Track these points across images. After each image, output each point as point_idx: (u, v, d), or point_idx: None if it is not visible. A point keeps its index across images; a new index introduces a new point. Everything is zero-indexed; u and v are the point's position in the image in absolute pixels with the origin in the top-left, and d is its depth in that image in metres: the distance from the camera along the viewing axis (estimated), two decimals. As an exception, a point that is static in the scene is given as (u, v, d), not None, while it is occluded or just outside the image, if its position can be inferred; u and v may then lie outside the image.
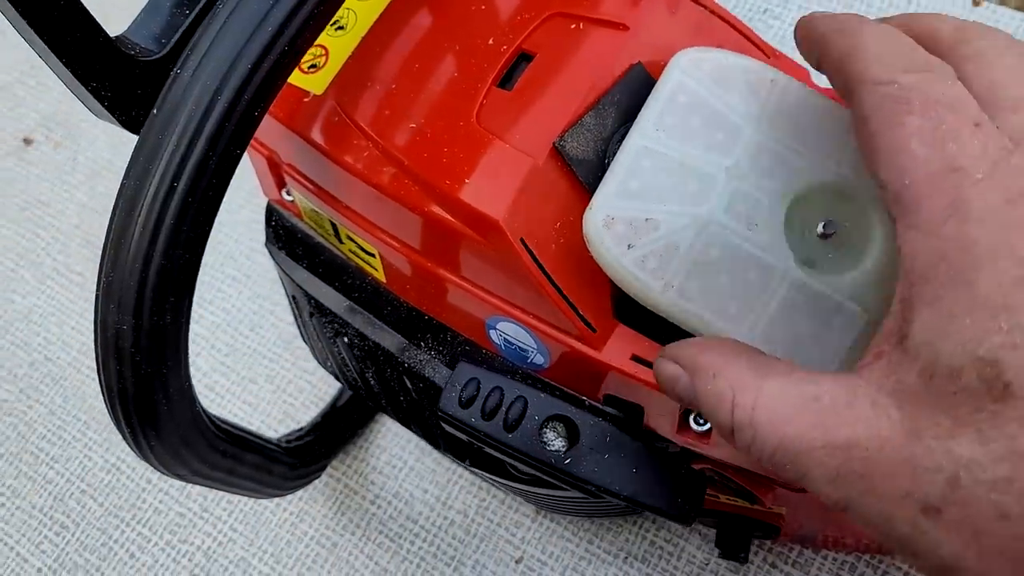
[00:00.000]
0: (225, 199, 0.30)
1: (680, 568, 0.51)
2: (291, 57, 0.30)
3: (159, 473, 0.59)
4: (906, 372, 0.23)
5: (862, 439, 0.23)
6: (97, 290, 0.31)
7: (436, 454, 0.57)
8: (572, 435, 0.33)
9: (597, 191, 0.32)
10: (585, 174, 0.33)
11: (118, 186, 0.29)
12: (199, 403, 0.36)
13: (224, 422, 0.40)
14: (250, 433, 0.43)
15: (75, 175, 0.73)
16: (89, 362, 0.66)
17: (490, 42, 0.36)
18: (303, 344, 0.62)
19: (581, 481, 0.33)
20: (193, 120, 0.29)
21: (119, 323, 0.31)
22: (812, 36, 0.29)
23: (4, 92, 0.78)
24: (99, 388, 0.61)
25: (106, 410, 0.34)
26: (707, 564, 0.51)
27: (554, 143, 0.32)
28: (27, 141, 0.75)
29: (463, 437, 0.34)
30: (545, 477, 0.33)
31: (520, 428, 0.33)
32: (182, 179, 0.29)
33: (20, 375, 0.66)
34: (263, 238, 0.58)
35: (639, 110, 0.33)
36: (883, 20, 0.29)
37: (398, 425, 0.58)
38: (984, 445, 0.22)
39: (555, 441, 0.33)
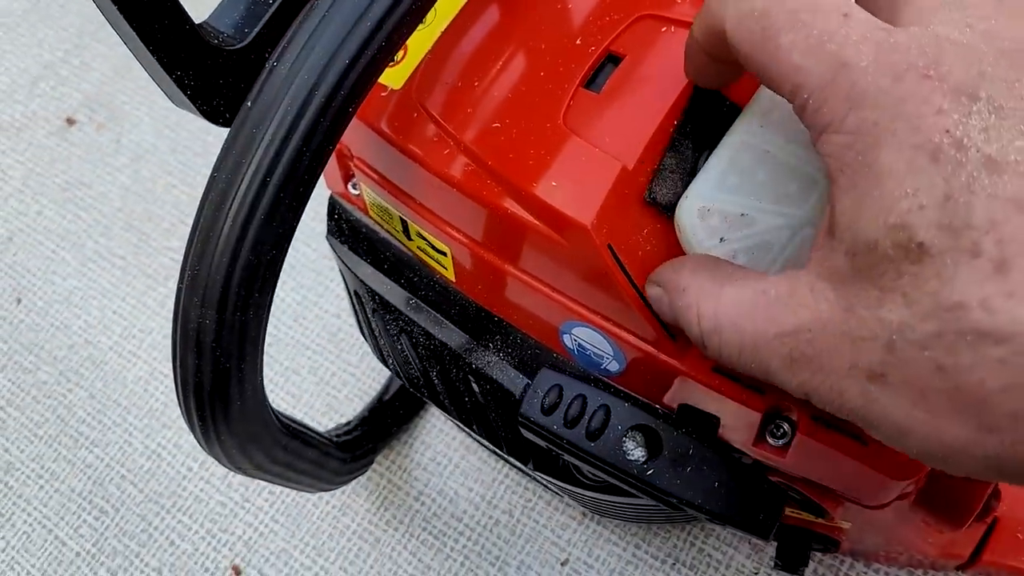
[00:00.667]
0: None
1: (729, 576, 0.51)
2: (386, 54, 0.30)
3: (205, 462, 0.59)
4: (835, 256, 0.25)
5: (806, 322, 0.25)
6: (180, 282, 0.31)
7: (481, 452, 0.57)
8: (652, 445, 0.33)
9: (694, 180, 0.32)
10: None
11: (162, 171, 0.29)
12: (267, 399, 0.36)
13: (286, 416, 0.40)
14: (308, 428, 0.43)
15: (118, 158, 0.72)
16: (130, 346, 0.65)
17: (577, 42, 0.35)
18: (347, 336, 0.62)
19: (662, 492, 0.32)
20: (289, 115, 0.28)
21: (202, 317, 0.30)
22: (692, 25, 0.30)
23: (48, 71, 0.77)
24: (139, 374, 0.60)
25: (177, 401, 0.33)
26: (756, 573, 0.50)
27: (644, 199, 0.32)
28: (70, 121, 0.75)
29: (542, 443, 0.34)
30: (623, 486, 0.33)
31: (603, 437, 0.32)
32: (275, 174, 0.29)
33: (60, 357, 0.66)
34: (307, 229, 0.58)
35: (713, 131, 0.33)
36: None
37: (443, 422, 0.58)
38: (910, 307, 0.23)
39: (635, 451, 0.32)
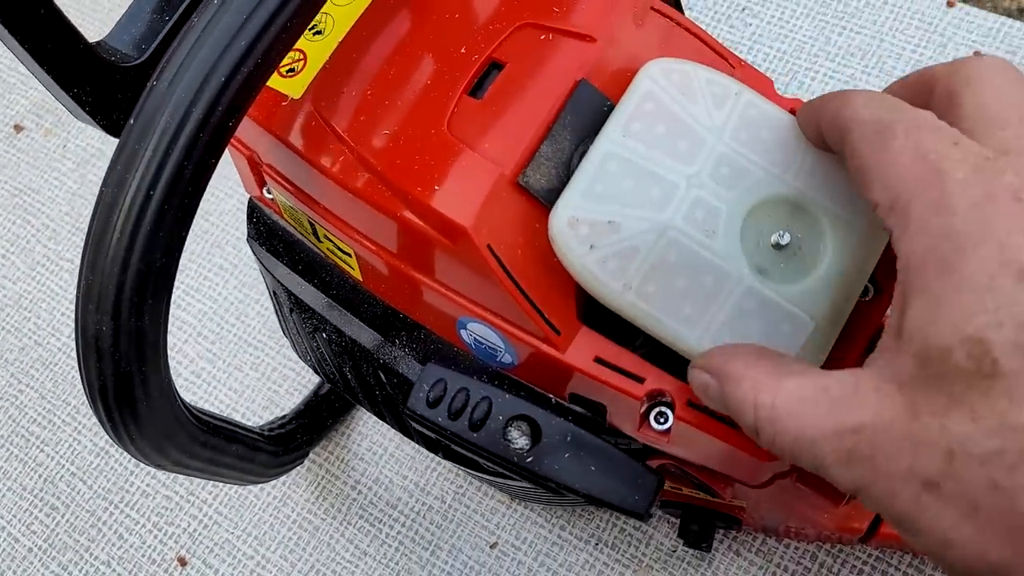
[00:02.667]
0: (211, 188, 0.31)
1: (648, 554, 0.53)
2: (265, 68, 0.31)
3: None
4: (904, 359, 0.25)
5: (868, 422, 0.25)
6: (77, 291, 0.32)
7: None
8: (535, 434, 0.34)
9: (563, 192, 0.34)
10: (552, 200, 0.34)
11: (103, 175, 0.31)
12: (179, 397, 0.37)
13: (206, 413, 0.41)
14: (232, 423, 0.44)
15: (65, 162, 0.74)
16: (78, 347, 0.67)
17: (462, 50, 0.37)
18: (284, 335, 0.64)
19: (542, 478, 0.34)
20: (168, 131, 0.30)
21: (98, 324, 0.32)
22: (809, 107, 0.32)
23: (-6, 78, 0.79)
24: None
25: (88, 404, 0.35)
26: (674, 551, 0.53)
27: (517, 180, 0.33)
28: (17, 128, 0.76)
29: (431, 435, 0.36)
30: (509, 474, 0.35)
31: (485, 427, 0.34)
32: (158, 187, 0.30)
33: (11, 360, 0.68)
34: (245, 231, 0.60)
35: (591, 127, 0.34)
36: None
37: (379, 413, 0.60)
38: (976, 421, 0.23)
39: (519, 440, 0.34)
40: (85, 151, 0.74)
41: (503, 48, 0.37)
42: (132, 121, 0.31)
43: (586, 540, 0.54)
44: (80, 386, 0.65)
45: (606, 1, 0.37)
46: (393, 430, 0.59)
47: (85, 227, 0.71)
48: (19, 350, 0.68)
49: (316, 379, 0.61)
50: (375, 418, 0.60)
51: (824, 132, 0.31)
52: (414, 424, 0.36)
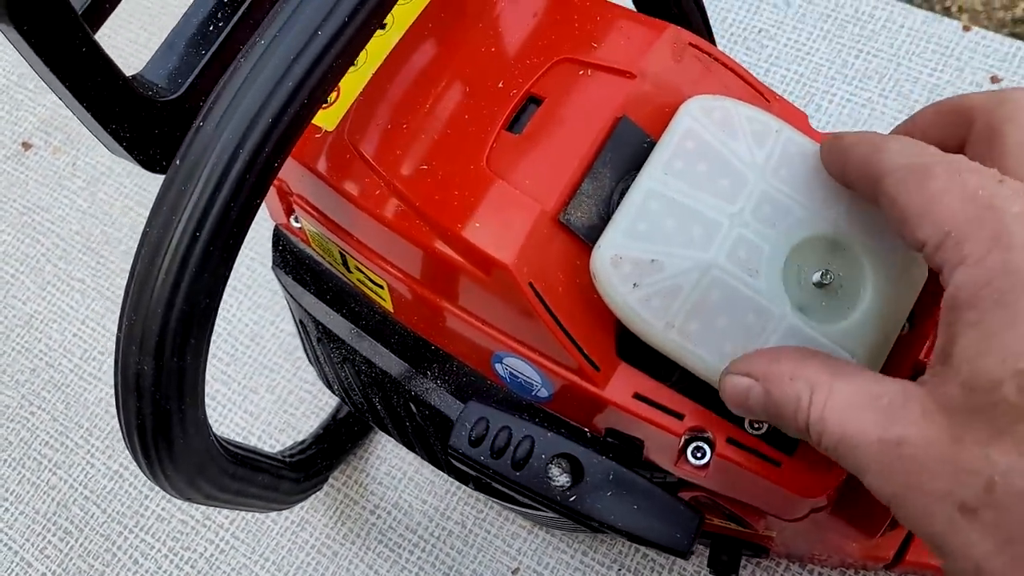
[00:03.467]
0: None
1: (672, 581, 0.53)
2: (311, 108, 0.31)
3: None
4: (950, 386, 0.25)
5: (912, 438, 0.25)
6: (119, 331, 0.32)
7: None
8: (576, 471, 0.34)
9: (606, 230, 0.34)
10: (593, 237, 0.34)
11: (119, 194, 0.30)
12: (212, 432, 0.37)
13: (234, 444, 0.41)
14: (257, 452, 0.44)
15: (75, 180, 0.73)
16: (91, 368, 0.66)
17: (500, 85, 0.37)
18: (303, 355, 0.63)
19: (584, 517, 0.34)
20: (215, 173, 0.30)
21: (140, 363, 0.32)
22: (837, 147, 0.32)
23: (2, 96, 0.78)
24: (100, 395, 0.62)
25: (119, 427, 0.35)
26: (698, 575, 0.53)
27: (558, 218, 0.33)
28: (26, 145, 0.75)
29: (472, 472, 0.36)
30: (549, 512, 0.35)
31: (527, 466, 0.34)
32: (204, 229, 0.30)
33: (22, 381, 0.67)
34: (264, 250, 0.59)
35: (632, 164, 0.34)
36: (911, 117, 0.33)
37: (397, 436, 0.60)
38: (1021, 455, 0.23)
39: (560, 477, 0.34)
40: (95, 169, 0.73)
41: (541, 83, 0.37)
42: (178, 161, 0.31)
43: (608, 566, 0.53)
44: (92, 408, 0.65)
45: (645, 37, 0.37)
46: (412, 454, 0.59)
47: (96, 247, 0.70)
48: (30, 371, 0.67)
49: (333, 402, 0.61)
50: (394, 442, 0.60)
51: (850, 174, 0.31)
52: (455, 462, 0.36)
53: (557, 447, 0.34)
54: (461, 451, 0.34)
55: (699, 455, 0.36)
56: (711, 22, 0.45)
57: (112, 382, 0.63)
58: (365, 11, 0.30)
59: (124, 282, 0.67)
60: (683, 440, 0.36)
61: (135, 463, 0.36)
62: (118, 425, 0.63)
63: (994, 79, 0.60)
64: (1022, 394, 0.23)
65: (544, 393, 0.38)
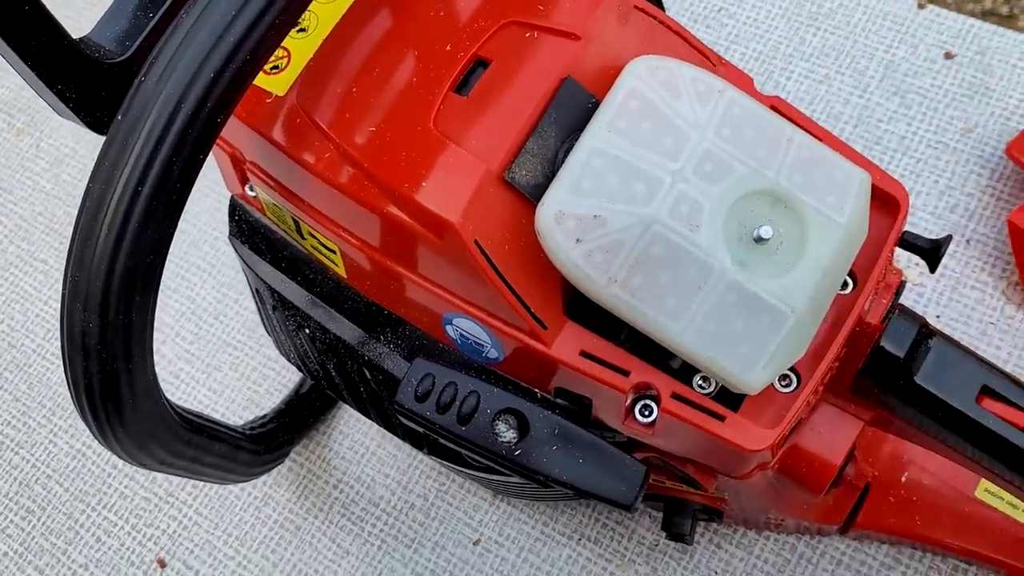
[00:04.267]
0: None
1: (631, 548, 0.53)
2: (254, 64, 0.31)
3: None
4: None
5: None
6: (63, 289, 0.32)
7: (397, 440, 0.59)
8: (523, 427, 0.35)
9: (550, 187, 0.34)
10: (538, 196, 0.34)
11: (83, 175, 0.31)
12: (164, 396, 0.37)
13: (190, 412, 0.41)
14: (215, 422, 0.44)
15: (38, 162, 0.73)
16: (54, 349, 0.66)
17: (447, 48, 0.37)
18: (265, 333, 0.64)
19: (530, 471, 0.34)
20: (157, 127, 0.30)
21: (85, 321, 0.32)
22: None
23: (-37, 77, 0.77)
24: (63, 376, 0.61)
25: (72, 403, 0.35)
26: (656, 545, 0.53)
27: (503, 176, 0.34)
28: (-12, 127, 0.75)
29: (419, 429, 0.36)
30: (496, 467, 0.35)
31: (473, 421, 0.34)
32: (146, 184, 0.30)
33: (-17, 361, 0.67)
34: (226, 229, 0.59)
35: (577, 124, 0.35)
36: None
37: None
38: None
39: (506, 433, 0.35)
40: (59, 151, 0.73)
41: (488, 46, 0.37)
42: (119, 117, 0.31)
43: (569, 536, 0.54)
44: (55, 389, 0.65)
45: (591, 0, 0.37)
46: (375, 428, 0.59)
47: (59, 227, 0.70)
48: (-8, 352, 0.67)
49: (296, 379, 0.61)
50: (356, 417, 0.60)
51: None
52: (402, 418, 0.36)
53: (503, 402, 0.35)
54: (407, 407, 0.35)
55: (646, 412, 0.37)
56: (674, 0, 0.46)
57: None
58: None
59: (87, 262, 0.66)
60: (630, 398, 0.36)
61: (86, 426, 0.36)
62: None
63: (948, 55, 0.61)
64: None
65: (494, 354, 0.38)
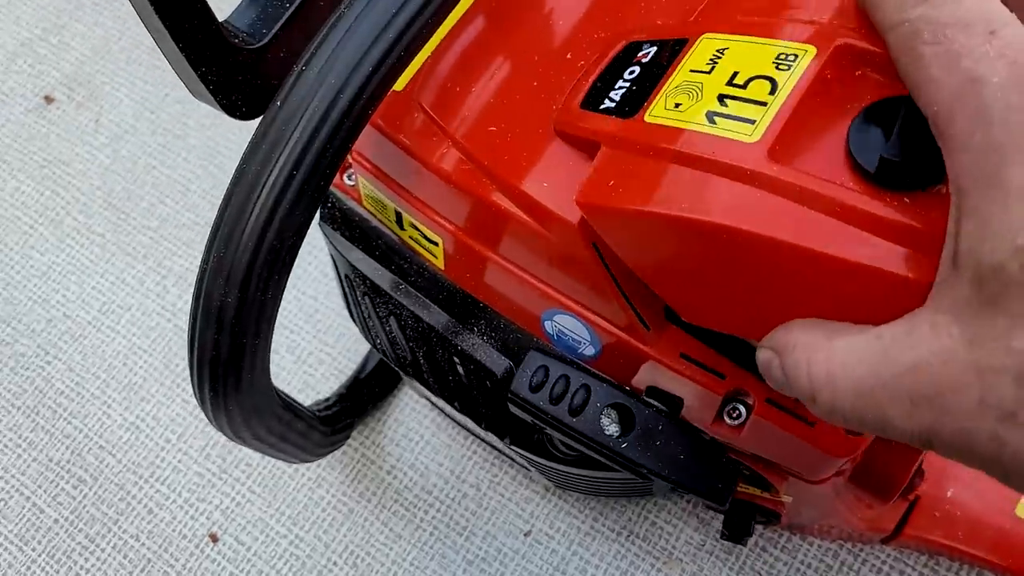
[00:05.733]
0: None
1: (679, 548, 0.55)
2: (403, 62, 0.33)
3: (183, 434, 0.61)
4: (959, 287, 0.23)
5: (925, 356, 0.24)
6: (203, 264, 0.33)
7: (451, 430, 0.60)
8: (626, 422, 0.36)
9: None
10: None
11: (141, 151, 0.31)
12: (270, 374, 0.39)
13: (280, 391, 0.43)
14: (297, 403, 0.46)
15: (98, 136, 0.74)
16: (109, 322, 0.67)
17: (568, 56, 0.39)
18: (324, 317, 0.65)
19: (633, 464, 0.36)
20: (315, 116, 0.31)
21: (225, 295, 0.33)
22: None
23: (25, 48, 0.78)
24: (119, 348, 0.62)
25: (190, 375, 0.36)
26: (703, 545, 0.55)
27: None
28: (48, 99, 0.76)
29: (528, 419, 0.37)
30: (599, 458, 0.37)
31: (583, 413, 0.36)
32: (301, 168, 0.32)
33: (38, 330, 0.67)
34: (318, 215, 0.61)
35: None
36: None
37: (416, 400, 0.61)
38: None
39: (610, 426, 0.36)
40: (119, 126, 0.74)
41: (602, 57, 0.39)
42: (278, 104, 0.32)
43: (618, 532, 0.56)
44: (109, 361, 0.66)
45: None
46: (430, 417, 0.61)
47: (116, 202, 0.71)
48: (46, 321, 0.68)
49: (351, 365, 0.62)
50: (412, 405, 0.61)
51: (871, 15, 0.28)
52: (512, 407, 0.38)
53: (611, 397, 0.36)
54: (522, 395, 0.36)
55: (735, 415, 0.38)
56: None
57: (129, 335, 0.64)
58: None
59: (145, 239, 0.68)
60: (722, 400, 0.38)
61: (197, 399, 0.37)
62: (132, 375, 0.63)
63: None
64: None
65: (591, 351, 0.40)
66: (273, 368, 0.65)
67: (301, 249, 0.62)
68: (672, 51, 0.34)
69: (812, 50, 0.30)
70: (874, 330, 0.26)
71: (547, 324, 0.41)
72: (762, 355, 0.31)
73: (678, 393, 0.39)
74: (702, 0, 0.39)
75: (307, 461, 0.52)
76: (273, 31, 0.38)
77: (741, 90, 0.30)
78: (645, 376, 0.39)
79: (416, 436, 0.61)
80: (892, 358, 0.25)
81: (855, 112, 0.28)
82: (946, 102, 0.24)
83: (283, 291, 0.35)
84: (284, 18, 0.38)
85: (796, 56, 0.30)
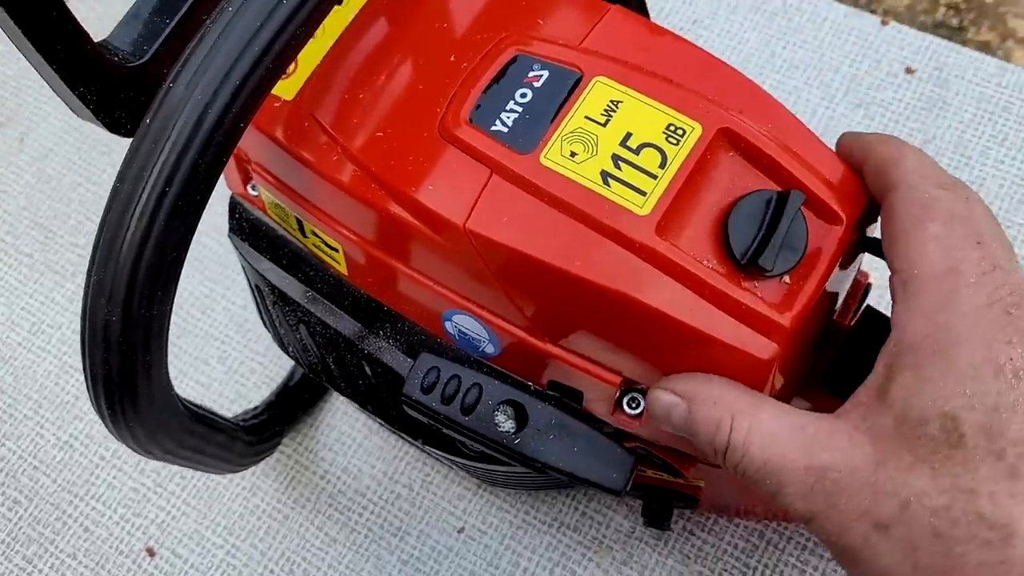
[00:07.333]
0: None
1: (608, 536, 0.56)
2: (275, 72, 0.33)
3: (117, 451, 0.61)
4: (882, 417, 0.29)
5: (837, 464, 0.29)
6: (86, 286, 0.34)
7: (383, 432, 0.61)
8: (521, 418, 0.37)
9: None
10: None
11: (67, 170, 0.32)
12: (173, 388, 0.39)
13: (193, 404, 0.43)
14: (214, 414, 0.46)
15: (22, 156, 0.73)
16: (40, 342, 0.67)
17: (451, 59, 0.39)
18: (253, 327, 0.65)
19: (528, 459, 0.37)
20: (185, 130, 0.32)
21: (108, 315, 0.33)
22: (857, 143, 0.35)
23: (-55, 69, 0.77)
24: (50, 368, 0.62)
25: (88, 394, 0.36)
26: (633, 532, 0.56)
27: None
28: (-30, 120, 0.75)
29: (424, 420, 0.38)
30: (496, 455, 0.37)
31: (475, 411, 0.36)
32: (175, 183, 0.32)
33: (-33, 354, 0.67)
34: (212, 225, 0.61)
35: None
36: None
37: (347, 404, 0.62)
38: (934, 480, 0.28)
39: (505, 423, 0.37)
40: (43, 145, 0.73)
41: (488, 59, 0.39)
42: (148, 120, 0.32)
43: (549, 523, 0.56)
44: (41, 381, 0.66)
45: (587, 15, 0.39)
46: (362, 420, 0.61)
47: (43, 221, 0.71)
48: (-25, 345, 0.67)
49: (283, 372, 0.62)
50: (343, 410, 0.62)
51: (867, 174, 0.34)
52: (408, 409, 0.38)
53: (503, 394, 0.37)
54: (414, 398, 0.37)
55: (633, 405, 0.39)
56: (651, 13, 0.48)
57: (60, 355, 0.64)
58: (328, -18, 0.32)
59: (73, 256, 0.68)
60: (619, 391, 0.39)
61: (98, 417, 0.38)
62: (64, 394, 0.63)
63: (908, 70, 0.65)
64: (943, 432, 0.28)
65: (491, 349, 0.40)
66: (204, 379, 0.65)
67: (229, 259, 0.62)
68: (565, 85, 0.36)
69: (698, 128, 0.34)
70: (798, 418, 0.31)
71: (447, 324, 0.41)
72: (663, 397, 0.34)
73: (577, 386, 0.40)
74: (579, 2, 0.40)
75: (234, 472, 0.52)
76: (154, 47, 0.38)
77: (634, 155, 0.34)
78: (547, 371, 0.40)
79: (349, 440, 0.61)
80: (809, 453, 0.30)
81: (730, 198, 0.33)
82: (927, 275, 0.30)
83: (171, 306, 0.35)
84: (164, 34, 0.38)
85: (684, 132, 0.34)
